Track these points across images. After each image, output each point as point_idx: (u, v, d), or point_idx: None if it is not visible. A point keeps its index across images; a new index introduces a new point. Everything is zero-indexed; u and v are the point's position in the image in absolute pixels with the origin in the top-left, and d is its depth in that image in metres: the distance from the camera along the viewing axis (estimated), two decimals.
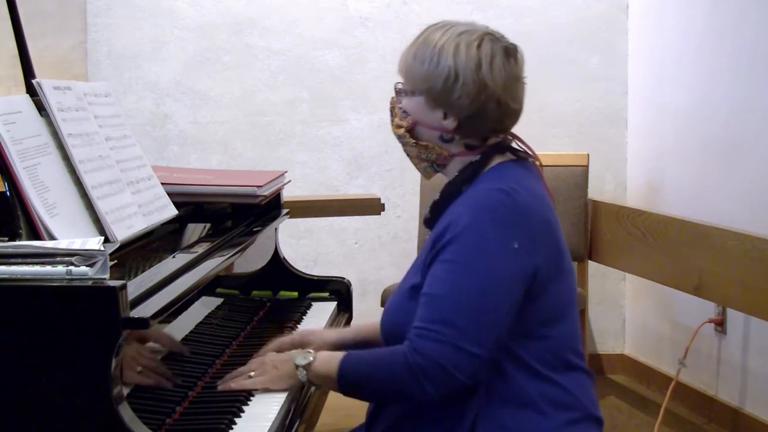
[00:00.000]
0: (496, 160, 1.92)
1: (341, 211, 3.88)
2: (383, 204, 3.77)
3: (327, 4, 4.35)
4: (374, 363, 1.86)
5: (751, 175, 3.54)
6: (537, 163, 1.96)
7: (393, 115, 1.98)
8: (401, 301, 1.92)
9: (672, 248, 3.55)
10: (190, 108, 4.34)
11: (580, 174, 4.06)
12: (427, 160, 1.95)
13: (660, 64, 4.15)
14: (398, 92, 1.95)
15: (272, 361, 1.96)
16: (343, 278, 2.76)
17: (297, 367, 1.90)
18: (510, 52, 1.89)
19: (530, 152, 1.96)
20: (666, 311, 4.14)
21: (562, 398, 1.86)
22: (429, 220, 1.95)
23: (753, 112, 3.53)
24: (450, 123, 1.89)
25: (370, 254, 4.44)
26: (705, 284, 3.36)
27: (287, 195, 2.87)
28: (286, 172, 2.81)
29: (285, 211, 2.75)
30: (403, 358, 1.79)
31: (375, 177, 4.41)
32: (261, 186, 2.49)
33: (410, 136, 1.94)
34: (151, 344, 1.76)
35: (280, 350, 2.06)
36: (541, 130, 4.32)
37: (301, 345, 2.08)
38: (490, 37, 1.88)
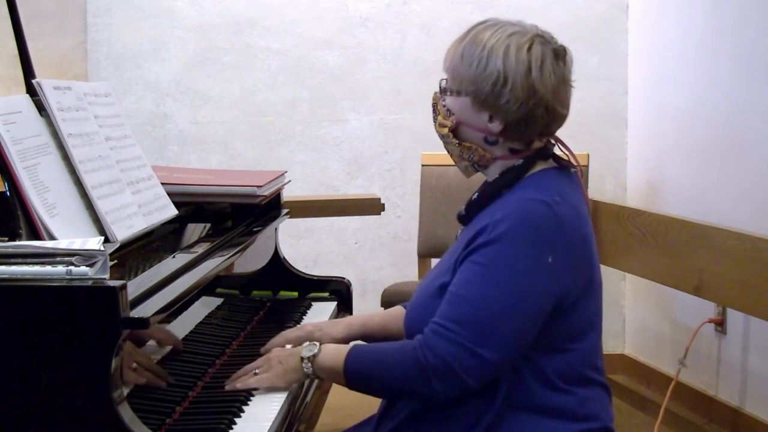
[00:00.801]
0: (539, 167, 1.89)
1: (341, 211, 3.88)
2: (383, 204, 3.77)
3: (327, 4, 4.34)
4: (382, 357, 1.84)
5: (751, 175, 3.54)
6: (577, 170, 1.94)
7: (436, 112, 1.94)
8: (428, 300, 1.89)
9: (672, 248, 3.55)
10: (190, 108, 4.34)
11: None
12: (468, 160, 1.92)
13: (660, 64, 4.15)
14: (443, 90, 1.92)
15: (277, 356, 1.95)
16: (343, 278, 2.76)
17: (302, 359, 1.89)
18: (560, 55, 1.85)
19: (573, 159, 1.93)
20: (666, 311, 4.14)
21: (577, 410, 1.85)
22: (464, 217, 1.92)
23: (753, 112, 3.53)
24: (496, 126, 1.85)
25: (370, 254, 4.44)
26: (705, 284, 3.36)
27: (287, 195, 2.87)
28: (286, 172, 2.80)
29: (285, 211, 2.75)
30: (413, 354, 1.78)
31: (375, 177, 4.41)
32: (261, 186, 2.48)
33: (453, 136, 1.91)
34: (150, 343, 1.76)
35: (285, 344, 2.05)
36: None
37: (308, 340, 2.06)
38: (540, 39, 1.85)
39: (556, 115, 1.87)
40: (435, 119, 1.95)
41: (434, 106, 1.95)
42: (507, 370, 1.80)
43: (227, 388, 1.91)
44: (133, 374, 1.65)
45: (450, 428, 1.84)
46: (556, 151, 1.95)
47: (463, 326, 1.76)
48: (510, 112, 1.83)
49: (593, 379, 1.90)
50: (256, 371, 1.93)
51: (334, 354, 1.88)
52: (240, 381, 1.92)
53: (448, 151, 1.95)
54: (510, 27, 1.87)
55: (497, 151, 1.89)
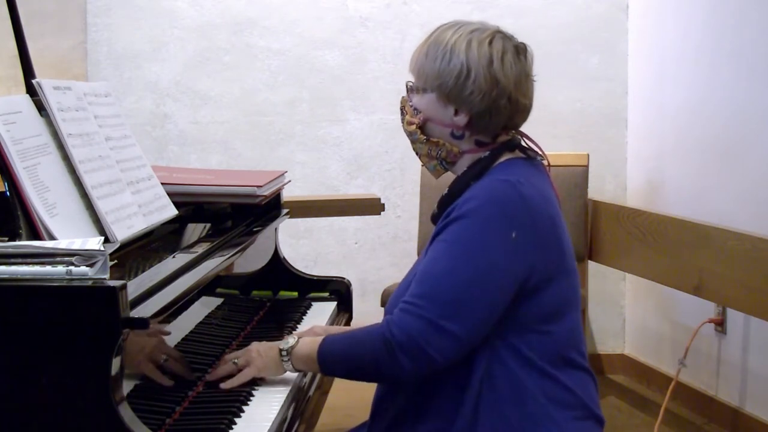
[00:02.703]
0: (505, 157, 1.93)
1: (341, 211, 3.88)
2: (383, 204, 3.77)
3: (327, 4, 4.35)
4: (352, 339, 1.88)
5: (751, 175, 3.54)
6: (545, 162, 1.98)
7: (404, 113, 1.99)
8: (404, 288, 1.91)
9: (672, 248, 3.55)
10: (190, 108, 4.34)
11: (580, 174, 4.06)
12: (437, 158, 1.96)
13: (660, 64, 4.15)
14: (409, 90, 1.98)
15: (256, 349, 1.98)
16: (343, 278, 2.76)
17: (280, 351, 1.93)
18: (520, 50, 1.92)
19: (539, 151, 1.98)
20: (666, 311, 4.14)
21: (563, 396, 1.86)
22: (436, 216, 1.95)
23: (753, 112, 3.53)
24: (461, 119, 1.91)
25: (370, 254, 4.44)
26: (705, 284, 3.36)
27: (287, 195, 2.87)
28: (286, 172, 2.81)
29: (285, 211, 2.75)
30: (380, 332, 1.81)
31: (375, 177, 4.41)
32: (261, 186, 2.48)
33: (421, 132, 1.95)
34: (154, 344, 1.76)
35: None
36: (541, 130, 4.27)
37: None
38: (501, 35, 1.91)
39: (519, 106, 1.92)
40: (402, 120, 2.00)
41: (402, 108, 2.00)
42: (483, 353, 1.82)
43: (209, 378, 1.93)
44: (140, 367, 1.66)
45: (436, 420, 1.84)
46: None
47: (427, 300, 1.79)
48: (474, 104, 1.88)
49: (578, 363, 1.91)
50: (235, 361, 1.95)
51: (310, 343, 1.91)
52: (221, 372, 1.94)
53: (417, 151, 1.99)
54: (471, 25, 1.93)
55: (464, 144, 1.94)
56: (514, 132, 1.96)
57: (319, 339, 1.91)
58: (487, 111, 1.89)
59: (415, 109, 1.96)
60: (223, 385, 1.92)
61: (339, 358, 1.88)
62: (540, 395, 1.83)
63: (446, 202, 1.92)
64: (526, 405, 1.83)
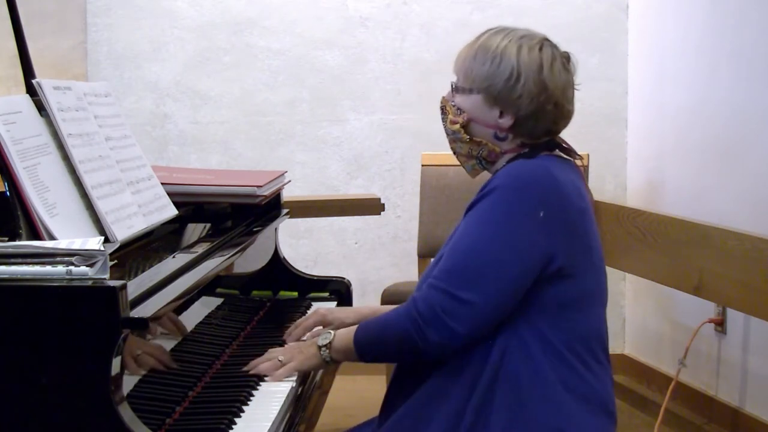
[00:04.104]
0: (543, 154, 1.96)
1: (341, 211, 3.88)
2: (383, 204, 3.77)
3: (327, 4, 4.35)
4: (384, 321, 1.94)
5: (751, 175, 3.54)
6: (580, 164, 2.02)
7: (445, 113, 2.02)
8: (430, 270, 1.95)
9: (672, 248, 3.55)
10: (190, 108, 4.34)
11: None
12: (476, 157, 1.99)
13: (660, 64, 4.15)
14: (454, 90, 2.00)
15: (297, 346, 2.05)
16: (343, 278, 2.76)
17: (320, 347, 1.99)
18: (567, 59, 1.97)
19: (576, 154, 2.01)
20: (666, 311, 4.14)
21: (581, 388, 1.87)
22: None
23: (753, 112, 3.53)
24: (506, 121, 1.94)
25: (370, 254, 4.44)
26: (705, 284, 3.36)
27: (287, 195, 2.87)
28: (286, 172, 2.81)
29: (285, 211, 2.75)
30: (406, 309, 1.87)
31: (375, 177, 4.41)
32: (261, 186, 2.49)
33: (464, 132, 1.98)
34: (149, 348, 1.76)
35: (304, 333, 2.17)
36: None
37: (322, 324, 2.18)
38: (549, 43, 1.96)
39: (564, 112, 1.96)
40: (444, 119, 2.02)
41: (443, 108, 2.02)
42: (505, 332, 1.84)
43: (248, 369, 1.98)
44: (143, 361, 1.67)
45: (451, 400, 1.86)
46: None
47: (450, 273, 1.84)
48: (521, 107, 1.92)
49: (599, 357, 1.93)
50: (280, 358, 2.00)
51: (346, 334, 1.97)
52: (266, 369, 1.98)
53: (456, 151, 2.02)
54: (520, 31, 1.97)
55: (506, 145, 1.97)
56: (554, 136, 2.00)
57: (354, 328, 1.96)
58: (533, 114, 1.93)
59: (458, 108, 1.98)
60: (268, 378, 1.96)
61: (374, 342, 1.94)
62: (558, 383, 1.85)
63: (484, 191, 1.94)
64: (544, 391, 1.84)
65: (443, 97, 2.03)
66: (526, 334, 1.85)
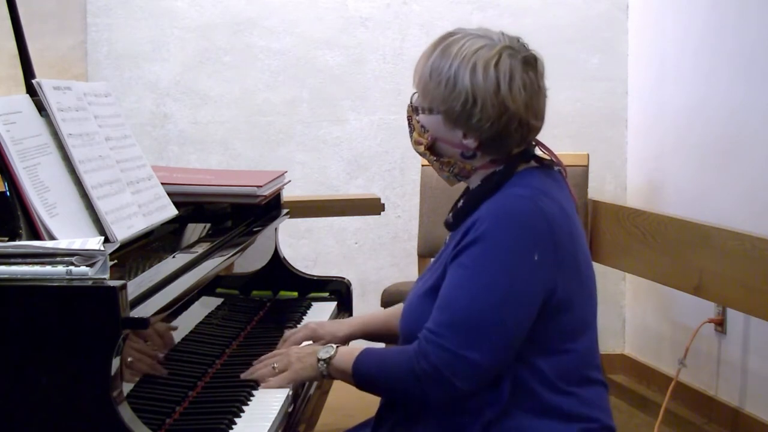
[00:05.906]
0: (521, 168, 1.88)
1: (341, 211, 3.88)
2: (383, 204, 3.77)
3: (327, 4, 4.35)
4: (384, 362, 1.87)
5: (751, 175, 3.54)
6: (561, 169, 1.93)
7: (411, 127, 1.94)
8: (419, 301, 1.90)
9: (672, 248, 3.55)
10: (190, 108, 4.34)
11: (580, 174, 4.06)
12: (449, 173, 1.92)
13: (660, 64, 4.15)
14: (415, 108, 1.91)
15: (296, 353, 1.99)
16: (343, 278, 2.76)
17: (319, 360, 1.93)
18: (529, 64, 1.83)
19: (555, 159, 1.92)
20: (666, 311, 4.14)
21: (578, 410, 1.85)
22: (452, 224, 1.92)
23: (753, 112, 3.53)
24: (471, 143, 1.85)
25: (370, 254, 4.44)
26: (705, 284, 3.36)
27: (287, 195, 2.87)
28: (286, 172, 2.81)
29: (285, 211, 2.75)
30: (408, 360, 1.80)
31: (375, 177, 4.41)
32: (261, 186, 2.49)
33: (431, 153, 1.91)
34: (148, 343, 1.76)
35: (294, 345, 2.10)
36: (542, 130, 4.31)
37: (312, 339, 2.13)
38: (509, 50, 1.82)
39: (531, 128, 1.85)
40: (411, 134, 1.94)
41: (409, 119, 1.94)
42: (508, 372, 1.80)
43: (244, 376, 1.95)
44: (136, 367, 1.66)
45: (445, 429, 1.84)
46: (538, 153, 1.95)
47: (450, 330, 1.77)
48: (483, 130, 1.82)
49: (593, 378, 1.90)
50: (274, 365, 1.96)
51: (347, 357, 1.91)
52: (263, 381, 1.94)
53: (429, 162, 1.95)
54: (478, 40, 1.83)
55: (476, 162, 1.89)
56: (527, 145, 1.91)
57: (356, 353, 1.90)
58: (497, 135, 1.82)
59: (422, 127, 1.89)
60: (262, 386, 1.93)
61: (372, 381, 1.89)
62: (556, 409, 1.82)
63: (462, 214, 1.88)
64: (542, 418, 1.81)
65: (408, 107, 1.93)
66: (522, 371, 1.81)
